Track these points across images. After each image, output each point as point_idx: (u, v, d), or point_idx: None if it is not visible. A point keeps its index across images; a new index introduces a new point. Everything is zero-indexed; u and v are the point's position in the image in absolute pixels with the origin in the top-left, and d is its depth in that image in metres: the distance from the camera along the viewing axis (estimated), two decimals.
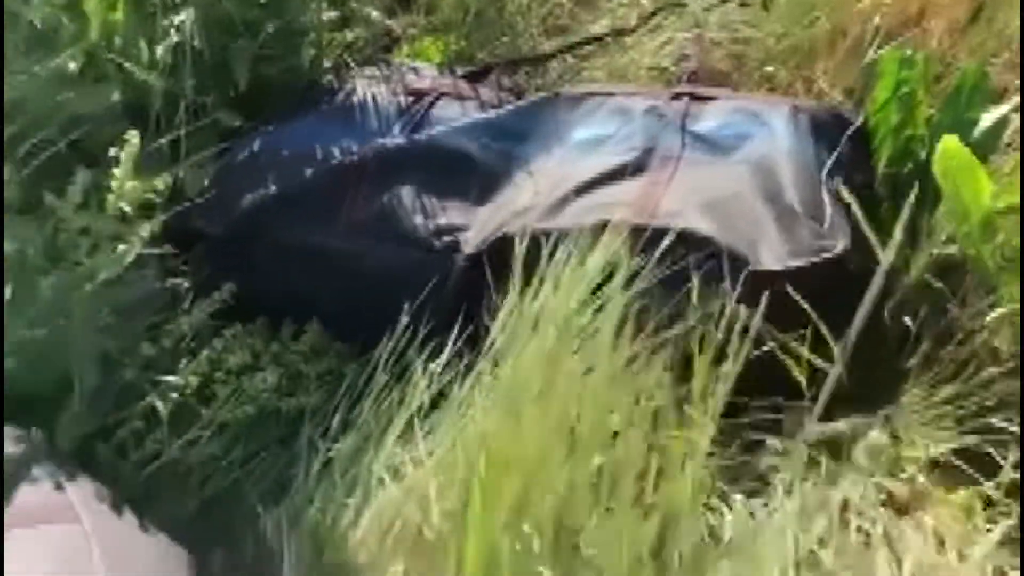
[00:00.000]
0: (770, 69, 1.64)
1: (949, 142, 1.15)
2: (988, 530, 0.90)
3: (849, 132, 1.33)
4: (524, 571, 0.76)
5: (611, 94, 1.41)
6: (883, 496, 0.97)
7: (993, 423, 1.09)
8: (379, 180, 1.35)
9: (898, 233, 1.19)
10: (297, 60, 1.54)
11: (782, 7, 1.69)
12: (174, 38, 1.42)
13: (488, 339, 1.10)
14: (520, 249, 1.17)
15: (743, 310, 0.97)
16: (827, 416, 1.00)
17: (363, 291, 1.33)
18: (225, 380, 1.31)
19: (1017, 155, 1.34)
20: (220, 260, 1.36)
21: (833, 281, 1.11)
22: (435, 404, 1.18)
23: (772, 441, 0.93)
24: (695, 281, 1.06)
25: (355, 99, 1.46)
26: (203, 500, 1.26)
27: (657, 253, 1.11)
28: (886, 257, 1.12)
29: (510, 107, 1.41)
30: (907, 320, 1.22)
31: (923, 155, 1.36)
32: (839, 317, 1.11)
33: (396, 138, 1.39)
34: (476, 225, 1.30)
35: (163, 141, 1.37)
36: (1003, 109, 1.39)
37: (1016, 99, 1.39)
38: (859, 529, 0.88)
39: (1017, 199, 1.18)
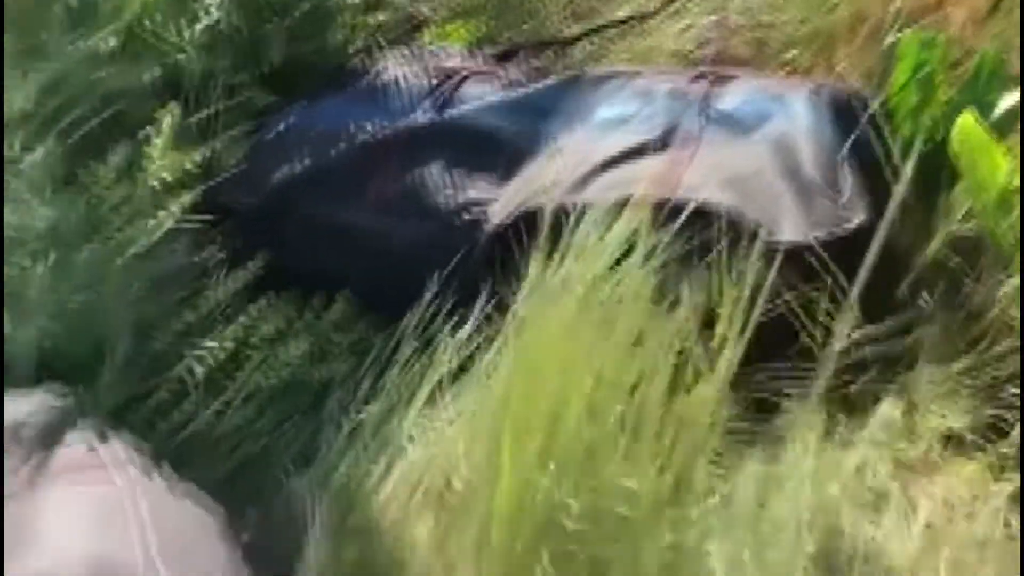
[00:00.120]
0: (791, 54, 1.66)
1: (966, 119, 1.18)
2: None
3: (868, 112, 1.36)
4: (551, 520, 0.79)
5: (634, 74, 1.44)
6: (896, 463, 0.99)
7: (1007, 395, 1.11)
8: (407, 157, 1.39)
9: (914, 211, 1.22)
10: (327, 41, 1.58)
11: None
12: (209, 18, 1.47)
13: (512, 309, 1.14)
14: (544, 222, 1.20)
15: (761, 279, 1.00)
16: (843, 384, 1.03)
17: (390, 264, 1.37)
18: (256, 349, 1.35)
19: None
20: (252, 233, 1.40)
21: (851, 254, 1.14)
22: (460, 372, 1.22)
23: (788, 404, 0.96)
24: (714, 252, 1.08)
25: (383, 79, 1.50)
26: (234, 465, 1.30)
27: (678, 225, 1.14)
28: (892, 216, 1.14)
29: (535, 87, 1.45)
30: (923, 296, 1.25)
31: (941, 136, 1.39)
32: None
33: (423, 116, 1.43)
34: (501, 200, 1.34)
35: (197, 117, 1.41)
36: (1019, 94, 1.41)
37: None
38: (871, 491, 0.91)
39: None
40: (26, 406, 1.09)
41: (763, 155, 1.27)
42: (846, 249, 1.15)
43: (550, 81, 1.45)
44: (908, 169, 1.37)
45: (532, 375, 0.90)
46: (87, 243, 1.30)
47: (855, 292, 1.01)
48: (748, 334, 0.92)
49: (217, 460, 1.30)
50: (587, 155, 1.32)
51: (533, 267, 1.14)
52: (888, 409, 1.00)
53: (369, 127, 1.43)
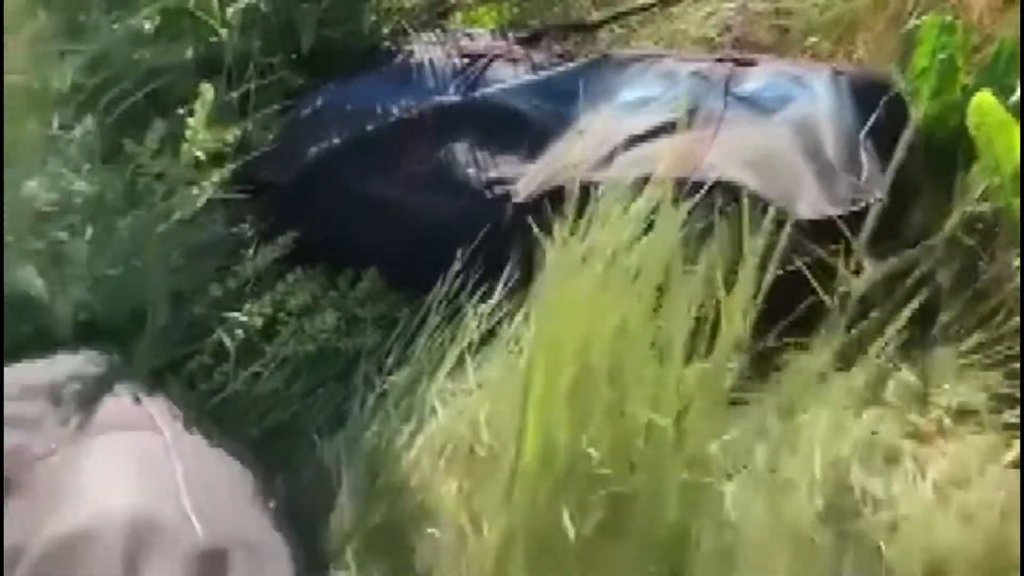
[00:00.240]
0: (812, 40, 1.69)
1: (983, 97, 1.20)
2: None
3: (888, 96, 1.38)
4: (574, 468, 0.83)
5: (658, 58, 1.47)
6: (908, 429, 1.02)
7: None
8: (435, 135, 1.43)
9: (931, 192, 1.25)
10: (358, 24, 1.62)
11: None
12: (244, 1, 1.51)
13: (537, 279, 1.17)
14: (568, 198, 1.24)
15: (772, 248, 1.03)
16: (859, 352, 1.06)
17: (418, 239, 1.40)
18: (287, 320, 1.39)
19: None
20: (284, 208, 1.44)
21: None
22: (485, 342, 1.26)
23: (803, 367, 0.99)
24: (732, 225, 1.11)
25: (413, 61, 1.54)
26: (265, 430, 1.34)
27: (698, 200, 1.17)
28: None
29: (560, 69, 1.48)
30: (939, 274, 1.27)
31: (960, 120, 1.41)
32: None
33: (452, 97, 1.47)
34: (526, 177, 1.37)
35: (234, 96, 1.46)
36: None
37: None
38: (882, 450, 0.93)
39: None
40: (68, 366, 1.14)
41: (784, 135, 1.30)
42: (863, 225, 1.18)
43: (575, 64, 1.49)
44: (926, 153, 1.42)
45: (556, 335, 0.93)
46: (128, 214, 1.35)
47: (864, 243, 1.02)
48: (760, 297, 0.95)
49: (249, 425, 1.34)
50: (611, 134, 1.36)
51: (557, 240, 1.18)
52: (903, 377, 1.03)
53: (399, 107, 1.48)
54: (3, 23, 1.27)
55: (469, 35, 1.59)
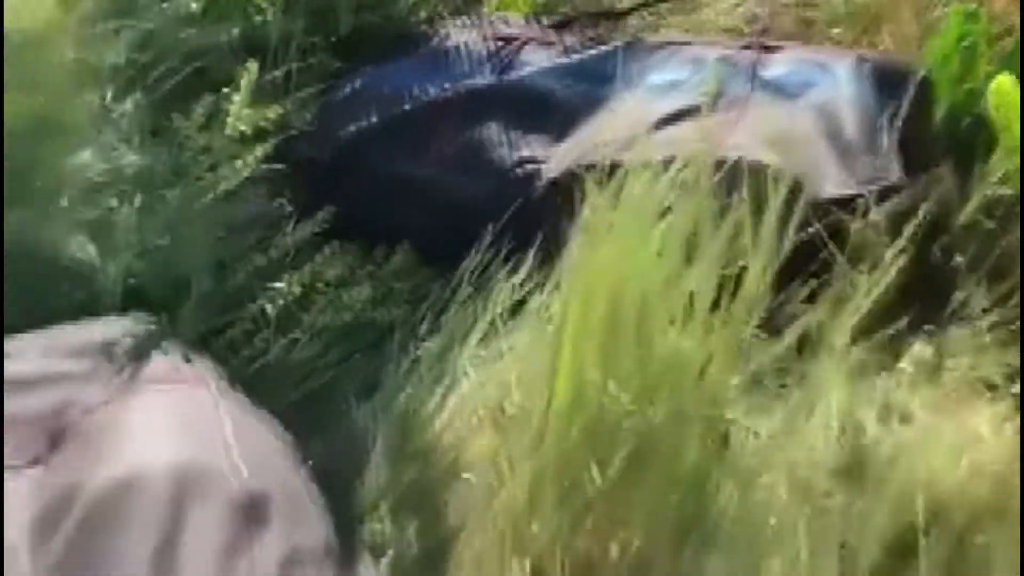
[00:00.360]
0: (837, 31, 1.72)
1: (1002, 80, 1.23)
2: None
3: (911, 82, 1.42)
4: (608, 412, 0.87)
5: (685, 44, 1.51)
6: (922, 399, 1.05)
7: None
8: (467, 116, 1.48)
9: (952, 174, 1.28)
10: (395, 9, 1.67)
11: None
12: None
13: (566, 251, 1.21)
14: (595, 177, 1.28)
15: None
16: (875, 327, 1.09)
17: (450, 216, 1.45)
18: (324, 291, 1.45)
19: None
20: (321, 185, 1.50)
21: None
22: (515, 312, 1.30)
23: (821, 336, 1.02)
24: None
25: (447, 44, 1.59)
26: (301, 395, 1.40)
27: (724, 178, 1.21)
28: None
29: (590, 53, 1.53)
30: (957, 256, 1.31)
31: (981, 107, 1.44)
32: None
33: (484, 79, 1.52)
34: (555, 158, 1.42)
35: (274, 76, 1.51)
36: None
37: None
38: (897, 413, 0.97)
39: None
40: (119, 327, 1.20)
41: (807, 118, 1.33)
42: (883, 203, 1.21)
43: (605, 48, 1.54)
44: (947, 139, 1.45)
45: (588, 286, 0.97)
46: (171, 187, 1.41)
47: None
48: (778, 262, 0.98)
49: (286, 390, 1.39)
50: (639, 116, 1.40)
51: (586, 215, 1.22)
52: (918, 350, 1.06)
53: (432, 89, 1.53)
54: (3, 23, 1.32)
55: (502, 20, 1.64)
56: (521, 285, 1.30)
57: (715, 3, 1.74)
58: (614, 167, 1.30)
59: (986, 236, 1.32)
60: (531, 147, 1.43)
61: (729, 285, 0.94)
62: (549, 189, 1.38)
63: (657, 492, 0.84)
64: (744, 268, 0.95)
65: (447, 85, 1.52)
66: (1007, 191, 1.31)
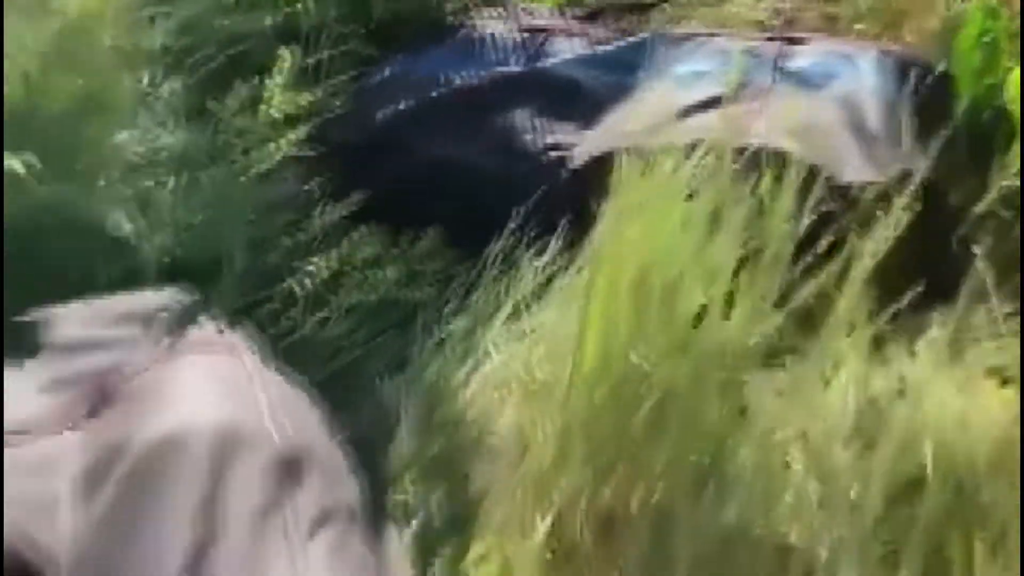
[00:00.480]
0: (860, 27, 1.75)
1: (1020, 73, 1.26)
2: None
3: (932, 76, 1.44)
4: (632, 372, 0.90)
5: (711, 35, 1.55)
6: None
7: None
8: (497, 103, 1.51)
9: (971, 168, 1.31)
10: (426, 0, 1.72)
11: None
12: None
13: (593, 230, 1.24)
14: (622, 162, 1.31)
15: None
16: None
17: (477, 200, 1.49)
18: (353, 272, 1.49)
19: None
20: (352, 168, 1.54)
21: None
22: (540, 293, 1.34)
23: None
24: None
25: (477, 34, 1.63)
26: (330, 373, 1.44)
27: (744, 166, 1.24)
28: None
29: (618, 43, 1.56)
30: (974, 246, 1.33)
31: (1001, 101, 1.46)
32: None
33: (514, 67, 1.55)
34: (583, 144, 1.45)
35: (310, 62, 1.55)
36: None
37: None
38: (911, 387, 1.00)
39: None
40: (159, 299, 1.24)
41: (829, 108, 1.36)
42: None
43: (632, 39, 1.57)
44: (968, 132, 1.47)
45: (617, 253, 1.01)
46: (208, 168, 1.45)
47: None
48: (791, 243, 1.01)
49: (316, 367, 1.43)
50: (665, 105, 1.43)
51: (614, 192, 1.25)
52: (934, 333, 1.09)
53: (462, 76, 1.57)
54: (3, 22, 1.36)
55: (530, 11, 1.68)
56: (547, 267, 1.34)
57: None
58: (641, 153, 1.34)
59: (1003, 227, 1.35)
60: (559, 134, 1.47)
61: (750, 260, 0.97)
62: (576, 175, 1.42)
63: (677, 448, 0.88)
64: (763, 245, 0.98)
65: (477, 73, 1.56)
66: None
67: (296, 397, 1.17)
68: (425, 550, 1.13)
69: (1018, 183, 1.35)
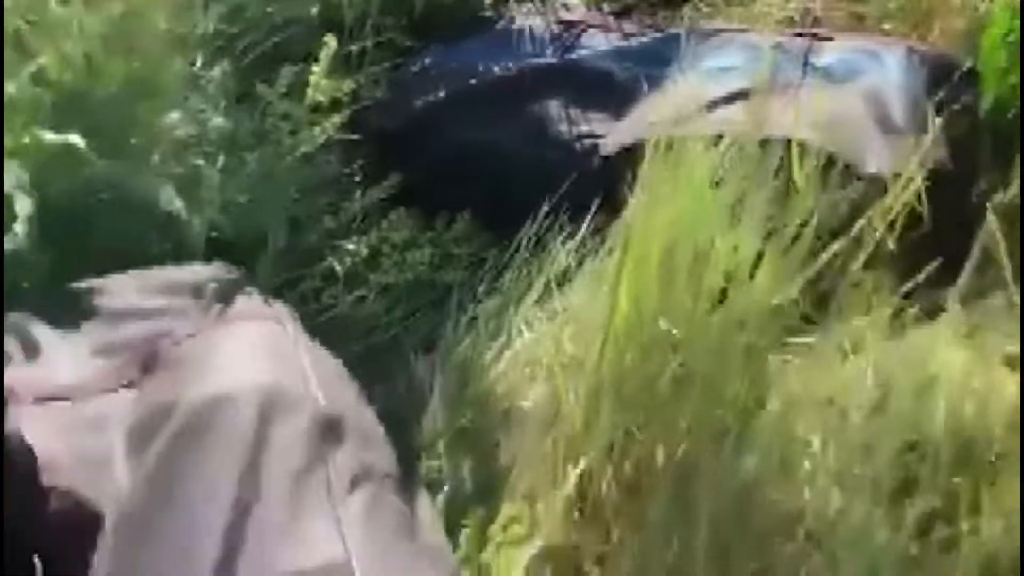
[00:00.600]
0: (888, 26, 1.78)
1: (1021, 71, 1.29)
2: None
3: (958, 73, 1.48)
4: (661, 337, 0.95)
5: (740, 31, 1.59)
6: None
7: None
8: (531, 92, 1.57)
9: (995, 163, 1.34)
10: None
11: None
12: None
13: (620, 218, 1.29)
14: (651, 151, 1.36)
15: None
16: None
17: (510, 186, 1.54)
18: (389, 253, 1.55)
19: None
20: (391, 153, 1.59)
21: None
22: (570, 275, 1.38)
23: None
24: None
25: (513, 27, 1.68)
26: (366, 348, 1.49)
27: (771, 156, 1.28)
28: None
29: (649, 38, 1.61)
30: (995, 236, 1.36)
31: None
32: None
33: (549, 58, 1.60)
34: (613, 133, 1.50)
35: (352, 49, 1.61)
36: None
37: None
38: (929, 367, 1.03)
39: None
40: (207, 271, 1.30)
41: (855, 102, 1.40)
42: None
43: (663, 34, 1.62)
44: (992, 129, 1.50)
45: (647, 228, 1.05)
46: (253, 150, 1.52)
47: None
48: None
49: (352, 342, 1.49)
50: (693, 97, 1.47)
51: (641, 183, 1.30)
52: (954, 313, 1.12)
53: (497, 67, 1.62)
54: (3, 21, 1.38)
55: (564, 5, 1.73)
56: (577, 250, 1.39)
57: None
58: (670, 143, 1.38)
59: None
60: (590, 123, 1.52)
61: (773, 238, 1.02)
62: (606, 162, 1.46)
63: (702, 406, 0.92)
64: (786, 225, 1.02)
65: (512, 64, 1.61)
66: None
67: (335, 365, 1.22)
68: (455, 514, 1.18)
69: None
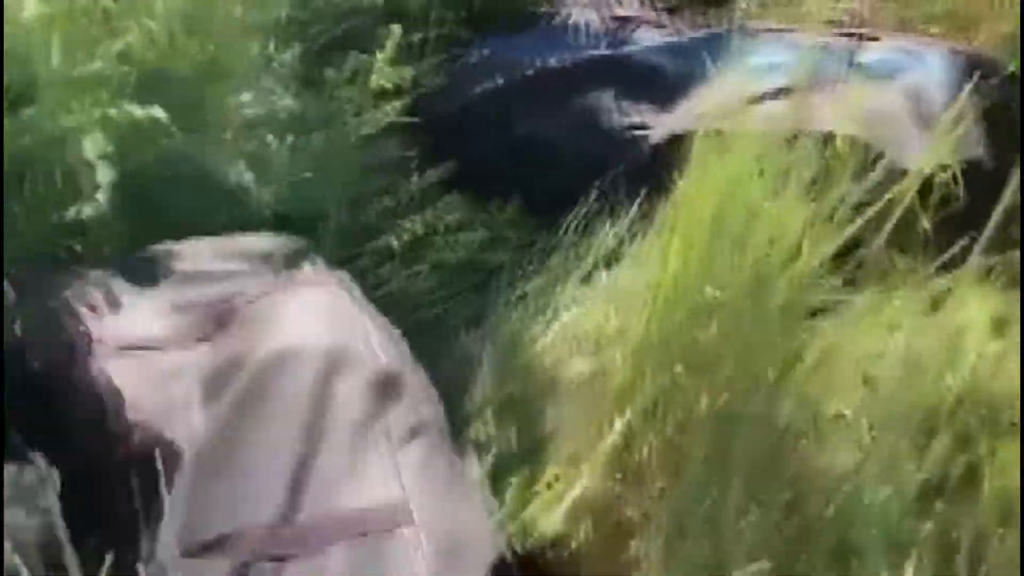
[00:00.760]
0: (934, 30, 1.83)
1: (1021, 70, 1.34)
2: None
3: (1000, 74, 1.52)
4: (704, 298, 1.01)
5: (787, 30, 1.64)
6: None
7: None
8: (584, 83, 1.63)
9: None
10: None
11: None
12: None
13: (667, 202, 1.35)
14: (696, 141, 1.42)
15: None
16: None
17: (561, 172, 1.61)
18: (442, 233, 1.62)
19: None
20: (448, 138, 1.67)
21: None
22: (615, 257, 1.45)
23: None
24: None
25: (567, 22, 1.75)
26: (416, 322, 1.56)
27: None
28: None
29: (698, 34, 1.67)
30: None
31: None
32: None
33: (601, 52, 1.67)
34: (661, 124, 1.56)
35: (414, 39, 1.69)
36: None
37: None
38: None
39: None
40: (275, 240, 1.38)
41: (896, 99, 1.45)
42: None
43: (712, 31, 1.68)
44: None
45: (693, 212, 1.11)
46: (318, 131, 1.60)
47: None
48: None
49: (404, 317, 1.56)
50: (738, 92, 1.53)
51: (687, 171, 1.36)
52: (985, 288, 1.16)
53: (552, 59, 1.69)
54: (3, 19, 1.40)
55: (618, 2, 1.80)
56: (622, 234, 1.45)
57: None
58: (716, 133, 1.45)
59: None
60: (640, 114, 1.59)
61: (815, 218, 1.07)
62: (653, 152, 1.53)
63: (744, 357, 0.98)
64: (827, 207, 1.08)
65: (565, 57, 1.68)
66: None
67: (391, 330, 1.30)
68: (501, 477, 1.25)
69: None
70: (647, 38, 1.69)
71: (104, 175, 1.40)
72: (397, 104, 1.61)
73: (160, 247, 1.33)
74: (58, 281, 1.20)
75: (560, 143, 1.63)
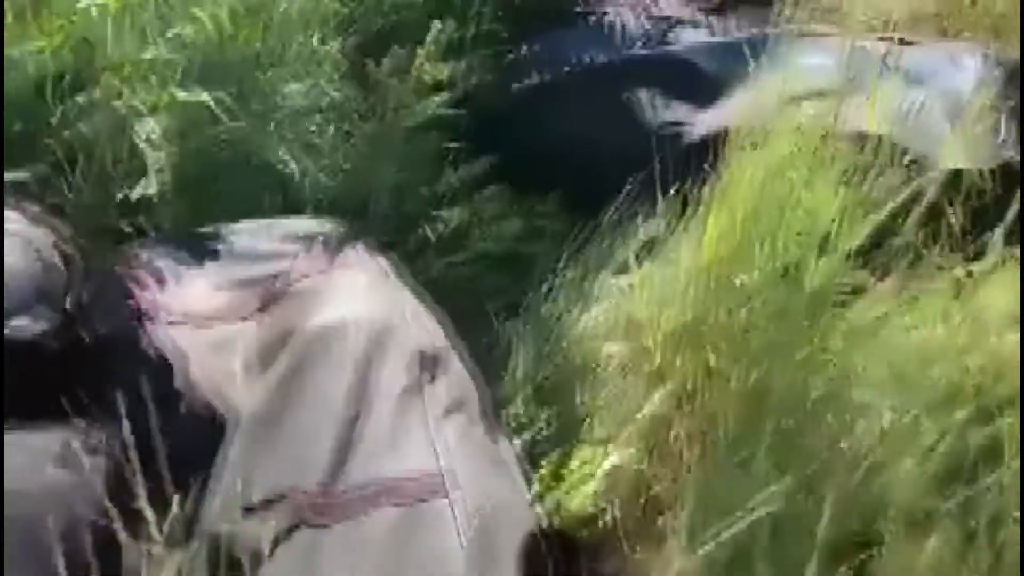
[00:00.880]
0: (967, 34, 1.84)
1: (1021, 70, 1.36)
2: None
3: None
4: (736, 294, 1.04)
5: (826, 33, 1.67)
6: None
7: None
8: (623, 81, 1.67)
9: None
10: None
11: None
12: None
13: (702, 199, 1.38)
14: (733, 139, 1.45)
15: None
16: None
17: (598, 168, 1.64)
18: (481, 224, 1.66)
19: None
20: (487, 133, 1.71)
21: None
22: (650, 250, 1.48)
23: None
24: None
25: (606, 20, 1.79)
26: (453, 310, 1.60)
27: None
28: None
29: (738, 36, 1.70)
30: None
31: None
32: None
33: (641, 51, 1.71)
34: (699, 123, 1.60)
35: (457, 35, 1.73)
36: None
37: None
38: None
39: None
40: (319, 224, 1.43)
41: (931, 100, 1.48)
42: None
43: (751, 33, 1.71)
44: None
45: (728, 206, 1.15)
46: (364, 121, 1.65)
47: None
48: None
49: (442, 304, 1.61)
50: (777, 92, 1.56)
51: (724, 167, 1.39)
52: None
53: (592, 57, 1.73)
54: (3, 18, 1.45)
55: (657, 2, 1.83)
56: (657, 229, 1.48)
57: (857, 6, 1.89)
58: (752, 133, 1.48)
59: None
60: (678, 112, 1.62)
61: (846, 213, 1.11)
62: (690, 149, 1.56)
63: (774, 336, 1.01)
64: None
65: (607, 54, 1.72)
66: None
67: (432, 309, 1.34)
68: (534, 458, 1.28)
69: None
70: (687, 38, 1.73)
71: (155, 159, 1.46)
72: (439, 98, 1.66)
73: (215, 227, 1.39)
74: (122, 253, 1.26)
75: (599, 139, 1.66)
